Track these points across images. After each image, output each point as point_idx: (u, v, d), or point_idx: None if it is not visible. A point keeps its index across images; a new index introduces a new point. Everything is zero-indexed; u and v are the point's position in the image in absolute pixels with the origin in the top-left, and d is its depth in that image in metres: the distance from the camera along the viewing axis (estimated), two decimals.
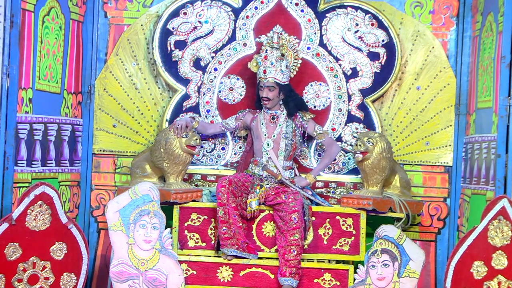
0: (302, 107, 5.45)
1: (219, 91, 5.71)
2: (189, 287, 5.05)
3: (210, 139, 5.69)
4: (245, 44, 5.71)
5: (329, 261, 5.19)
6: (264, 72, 5.29)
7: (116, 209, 4.91)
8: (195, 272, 5.11)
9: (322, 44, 5.69)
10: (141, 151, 5.67)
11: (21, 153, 4.89)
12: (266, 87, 5.30)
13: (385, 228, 4.94)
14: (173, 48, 5.70)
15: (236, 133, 5.62)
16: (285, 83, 5.34)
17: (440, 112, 5.68)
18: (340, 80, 5.68)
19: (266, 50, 5.36)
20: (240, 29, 5.71)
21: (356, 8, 5.68)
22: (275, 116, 5.39)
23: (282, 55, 5.35)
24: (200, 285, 5.09)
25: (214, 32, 5.72)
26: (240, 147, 5.69)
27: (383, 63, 5.66)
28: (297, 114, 5.40)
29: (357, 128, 5.67)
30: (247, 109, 5.58)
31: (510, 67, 4.79)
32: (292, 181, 5.30)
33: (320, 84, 5.68)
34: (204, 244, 5.19)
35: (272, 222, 5.17)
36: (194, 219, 5.19)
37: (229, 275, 5.10)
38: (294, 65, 5.47)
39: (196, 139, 5.18)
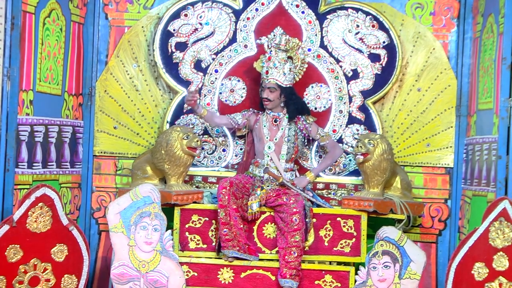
0: (303, 110, 5.41)
1: (220, 93, 5.71)
2: None
3: (211, 140, 5.69)
4: (246, 46, 5.71)
5: (330, 262, 5.18)
6: (266, 73, 5.28)
7: (117, 211, 4.91)
8: (196, 274, 5.10)
9: (323, 45, 5.69)
10: (142, 152, 5.67)
11: (22, 155, 4.90)
12: (267, 88, 5.29)
13: (386, 230, 4.93)
14: (174, 50, 5.70)
15: (237, 130, 5.55)
16: (287, 85, 5.30)
17: (441, 113, 5.67)
18: (341, 81, 5.67)
19: (271, 51, 5.33)
20: (241, 30, 5.71)
21: (357, 10, 5.68)
22: (278, 119, 5.38)
23: (289, 57, 5.32)
24: (201, 286, 5.08)
25: (215, 33, 5.72)
26: (241, 149, 5.68)
27: (384, 65, 5.66)
28: (300, 117, 5.39)
29: (358, 130, 5.67)
30: (251, 109, 5.54)
31: (511, 68, 4.78)
32: (293, 183, 5.30)
33: (321, 86, 5.68)
34: (205, 246, 5.18)
35: (273, 223, 5.17)
36: (195, 221, 5.19)
37: (230, 277, 5.10)
38: (300, 69, 5.44)
39: (197, 141, 5.18)
